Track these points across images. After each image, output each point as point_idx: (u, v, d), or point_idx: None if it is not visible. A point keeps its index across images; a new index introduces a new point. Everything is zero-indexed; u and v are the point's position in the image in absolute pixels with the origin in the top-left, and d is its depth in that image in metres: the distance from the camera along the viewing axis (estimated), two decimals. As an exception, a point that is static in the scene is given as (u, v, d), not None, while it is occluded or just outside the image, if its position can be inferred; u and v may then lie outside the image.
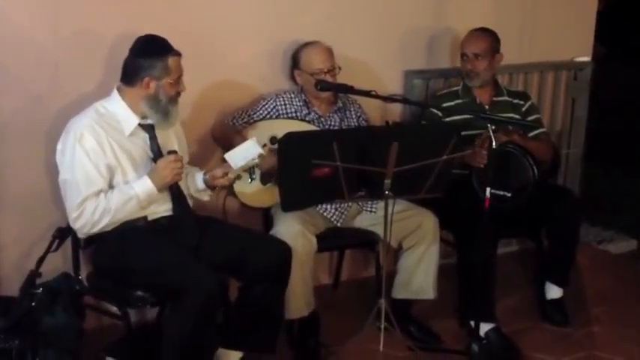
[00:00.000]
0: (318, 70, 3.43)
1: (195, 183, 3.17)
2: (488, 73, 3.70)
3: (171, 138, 3.10)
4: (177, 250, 2.91)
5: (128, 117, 2.94)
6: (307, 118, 3.50)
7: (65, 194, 2.91)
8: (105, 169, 2.88)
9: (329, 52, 3.49)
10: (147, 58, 2.90)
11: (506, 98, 3.79)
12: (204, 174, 3.17)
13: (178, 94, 2.98)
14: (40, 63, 3.21)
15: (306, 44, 3.52)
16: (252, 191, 3.42)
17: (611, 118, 6.60)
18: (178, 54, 2.95)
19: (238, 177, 3.19)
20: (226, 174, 3.09)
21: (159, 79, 2.91)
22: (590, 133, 4.60)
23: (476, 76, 3.68)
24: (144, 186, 2.90)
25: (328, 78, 3.42)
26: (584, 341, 3.53)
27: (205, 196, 3.21)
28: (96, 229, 2.89)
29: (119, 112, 2.94)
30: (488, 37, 3.69)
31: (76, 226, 2.89)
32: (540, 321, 3.69)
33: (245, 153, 3.03)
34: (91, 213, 2.85)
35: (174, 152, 2.97)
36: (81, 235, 2.97)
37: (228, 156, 3.05)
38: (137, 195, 2.89)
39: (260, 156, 3.05)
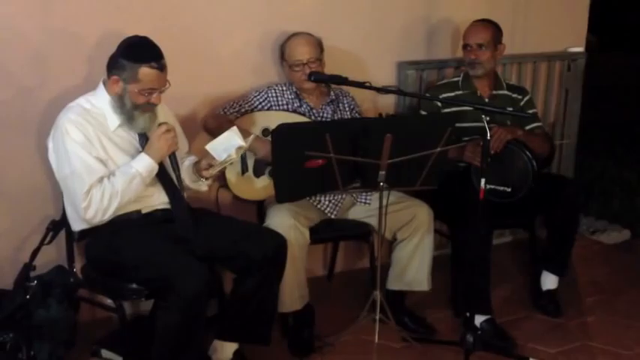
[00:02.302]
0: (298, 62, 3.41)
1: (189, 173, 3.16)
2: (491, 64, 3.71)
3: None
4: (169, 244, 2.90)
5: (112, 112, 2.92)
6: (299, 111, 3.48)
7: (69, 189, 2.88)
8: (97, 160, 2.87)
9: (311, 43, 3.45)
10: (123, 58, 2.86)
11: (505, 92, 3.79)
12: (195, 164, 3.14)
13: (150, 104, 2.91)
14: (29, 55, 3.19)
15: (291, 35, 3.50)
16: (246, 183, 3.41)
17: (603, 107, 6.63)
18: (159, 67, 2.85)
19: (224, 168, 3.15)
20: (211, 166, 3.05)
21: (126, 83, 2.86)
22: (582, 123, 4.60)
23: (479, 65, 3.67)
24: (143, 162, 2.89)
25: (306, 69, 3.39)
26: (577, 331, 3.54)
27: (203, 186, 3.18)
28: (107, 215, 2.86)
29: (104, 106, 2.92)
30: (491, 27, 3.69)
31: (88, 215, 2.85)
32: (534, 311, 3.70)
33: (226, 144, 2.96)
34: (100, 199, 2.83)
35: (164, 123, 2.94)
36: (92, 224, 2.92)
37: (209, 147, 2.98)
38: (139, 172, 2.87)
39: (238, 149, 2.97)
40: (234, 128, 2.98)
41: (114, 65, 2.88)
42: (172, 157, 2.98)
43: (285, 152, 2.86)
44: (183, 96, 3.39)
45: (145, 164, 2.89)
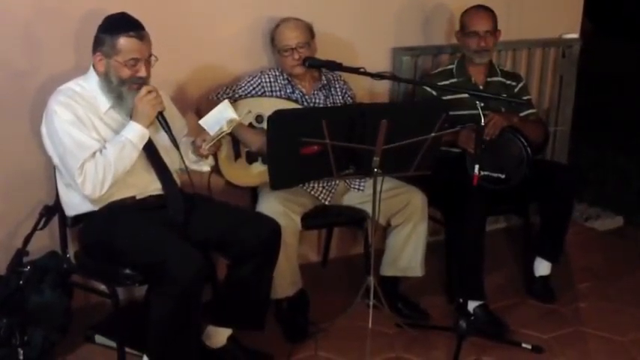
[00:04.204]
0: (286, 47, 3.39)
1: (188, 154, 3.15)
2: (494, 50, 3.72)
3: None
4: (164, 230, 2.88)
5: (102, 94, 2.91)
6: (292, 97, 3.46)
7: (66, 168, 2.86)
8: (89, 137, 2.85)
9: (299, 27, 3.42)
10: (102, 33, 2.86)
11: (499, 79, 3.78)
12: (192, 143, 3.14)
13: (138, 78, 2.87)
14: (21, 41, 3.16)
15: (280, 21, 3.47)
16: (238, 169, 3.40)
17: (597, 94, 6.63)
18: (138, 37, 2.84)
19: (219, 142, 3.11)
20: (204, 141, 3.04)
21: (108, 57, 2.85)
22: (576, 110, 4.60)
23: (487, 53, 3.66)
24: (132, 130, 2.87)
25: (295, 55, 3.38)
26: (570, 317, 3.56)
27: (205, 167, 3.17)
28: (105, 188, 2.84)
29: (95, 89, 2.91)
30: (493, 14, 3.68)
31: (86, 191, 2.82)
32: (527, 297, 3.71)
33: (218, 116, 2.96)
34: (94, 173, 2.80)
35: (145, 87, 2.89)
36: (94, 201, 2.90)
37: (202, 122, 2.98)
38: (129, 140, 2.86)
39: (230, 122, 2.96)
40: (226, 101, 2.97)
41: (95, 43, 2.88)
42: (162, 119, 2.93)
43: (281, 138, 2.85)
44: (174, 79, 3.39)
45: (134, 131, 2.87)
